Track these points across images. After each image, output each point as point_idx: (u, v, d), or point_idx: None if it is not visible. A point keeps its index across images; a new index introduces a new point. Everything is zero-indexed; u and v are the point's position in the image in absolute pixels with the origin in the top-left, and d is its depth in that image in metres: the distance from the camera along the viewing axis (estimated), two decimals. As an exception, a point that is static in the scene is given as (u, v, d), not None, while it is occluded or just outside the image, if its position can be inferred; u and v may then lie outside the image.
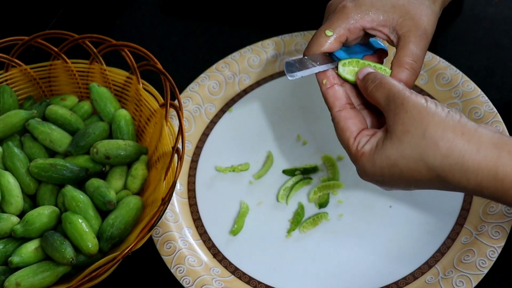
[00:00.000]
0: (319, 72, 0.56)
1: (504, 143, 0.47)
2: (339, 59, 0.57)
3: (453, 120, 0.48)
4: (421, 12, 0.56)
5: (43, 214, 0.65)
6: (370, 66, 0.56)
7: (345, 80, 0.56)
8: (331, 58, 0.57)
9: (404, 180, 0.50)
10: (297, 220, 0.68)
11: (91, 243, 0.62)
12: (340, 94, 0.56)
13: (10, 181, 0.67)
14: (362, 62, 0.56)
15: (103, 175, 0.71)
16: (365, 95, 0.54)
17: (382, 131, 0.52)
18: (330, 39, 0.56)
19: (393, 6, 0.56)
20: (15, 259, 0.62)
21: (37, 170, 0.68)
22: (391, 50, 0.62)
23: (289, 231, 0.68)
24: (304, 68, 0.55)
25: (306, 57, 0.56)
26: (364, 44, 0.60)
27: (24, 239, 0.64)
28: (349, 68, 0.56)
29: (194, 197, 0.73)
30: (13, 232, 0.64)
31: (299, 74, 0.55)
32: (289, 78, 0.55)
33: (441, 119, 0.48)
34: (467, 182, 0.48)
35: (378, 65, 0.56)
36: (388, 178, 0.51)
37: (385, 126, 0.51)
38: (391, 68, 0.56)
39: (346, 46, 0.59)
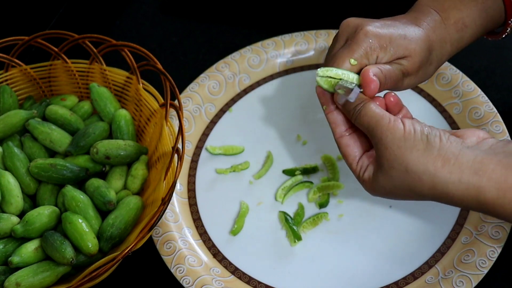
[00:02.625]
0: (321, 93, 0.58)
1: (484, 169, 0.49)
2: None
3: (432, 151, 0.51)
4: (420, 64, 0.59)
5: (43, 214, 0.65)
6: (341, 79, 0.56)
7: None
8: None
9: (405, 198, 0.54)
10: (297, 221, 0.68)
11: (91, 243, 0.62)
12: (339, 120, 0.58)
13: (10, 181, 0.67)
14: (335, 73, 0.56)
15: (103, 175, 0.71)
16: (352, 119, 0.56)
17: (374, 162, 0.55)
18: (353, 68, 0.57)
19: (406, 48, 0.58)
20: (15, 259, 0.62)
21: (37, 170, 0.68)
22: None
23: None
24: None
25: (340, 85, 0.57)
26: None
27: (24, 239, 0.64)
28: (326, 79, 0.56)
29: (194, 197, 0.73)
30: (13, 232, 0.64)
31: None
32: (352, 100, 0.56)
33: (420, 153, 0.51)
34: (456, 205, 0.52)
35: (346, 73, 0.57)
36: (391, 197, 0.55)
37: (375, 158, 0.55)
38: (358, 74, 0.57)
39: None
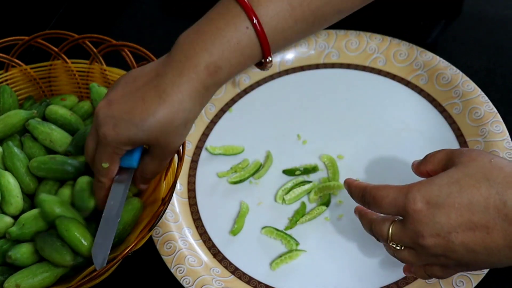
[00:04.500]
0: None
1: None
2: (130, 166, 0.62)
3: None
4: (169, 140, 0.60)
5: (38, 216, 0.64)
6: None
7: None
8: (123, 173, 0.63)
9: (459, 202, 0.50)
10: (296, 218, 0.69)
11: (86, 242, 0.62)
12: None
13: (10, 181, 0.67)
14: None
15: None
16: (424, 166, 0.58)
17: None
18: (108, 169, 0.61)
19: (148, 136, 0.58)
20: (14, 254, 0.62)
21: (37, 164, 0.67)
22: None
23: (287, 228, 0.68)
24: (106, 238, 0.60)
25: (102, 220, 0.61)
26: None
27: (19, 241, 0.64)
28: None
29: (194, 197, 0.73)
30: (8, 235, 0.63)
31: (106, 253, 0.59)
32: (98, 268, 0.58)
33: (505, 159, 0.52)
34: None
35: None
36: (444, 197, 0.50)
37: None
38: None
39: None
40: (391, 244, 0.55)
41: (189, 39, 0.59)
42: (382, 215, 0.57)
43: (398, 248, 0.54)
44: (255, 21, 0.59)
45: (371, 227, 0.57)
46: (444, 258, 0.52)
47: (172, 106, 0.57)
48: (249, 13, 0.59)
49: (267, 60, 0.62)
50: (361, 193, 0.57)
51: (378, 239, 0.58)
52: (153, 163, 0.62)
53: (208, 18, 0.61)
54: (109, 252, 0.58)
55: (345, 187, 0.61)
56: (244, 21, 0.59)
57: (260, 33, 0.59)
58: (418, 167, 0.58)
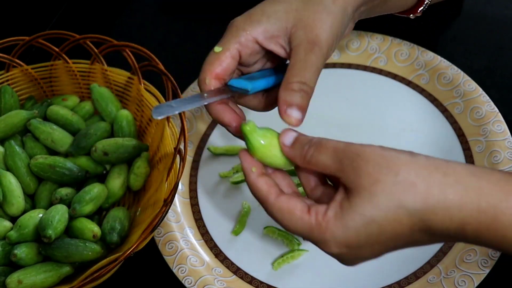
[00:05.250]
0: (244, 154, 0.48)
1: (480, 172, 0.43)
2: (240, 89, 0.51)
3: (420, 159, 0.43)
4: (314, 17, 0.50)
5: (35, 217, 0.64)
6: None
7: (251, 151, 0.49)
8: (227, 89, 0.52)
9: (383, 239, 0.44)
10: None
11: (92, 230, 0.64)
12: (272, 182, 0.48)
13: (12, 181, 0.67)
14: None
15: (103, 178, 0.71)
16: (302, 162, 0.47)
17: (340, 192, 0.44)
18: (219, 55, 0.50)
19: (286, 12, 0.50)
20: (19, 253, 0.62)
21: (37, 170, 0.68)
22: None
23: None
24: (182, 104, 0.50)
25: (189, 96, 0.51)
26: (268, 70, 0.55)
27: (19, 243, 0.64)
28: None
29: (196, 197, 0.73)
30: (8, 239, 0.63)
31: (170, 111, 0.49)
32: (154, 116, 0.49)
33: (408, 159, 0.43)
34: (450, 221, 0.42)
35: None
36: (365, 240, 0.44)
37: (341, 187, 0.45)
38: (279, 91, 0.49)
39: (245, 68, 0.53)
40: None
41: None
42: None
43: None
44: None
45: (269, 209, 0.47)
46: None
47: None
48: None
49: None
50: (262, 203, 0.47)
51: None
52: (297, 62, 0.49)
53: None
54: (173, 113, 0.50)
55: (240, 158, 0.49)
56: None
57: None
58: (295, 160, 0.48)
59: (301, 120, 0.48)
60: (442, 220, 0.42)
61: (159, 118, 0.48)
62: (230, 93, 0.52)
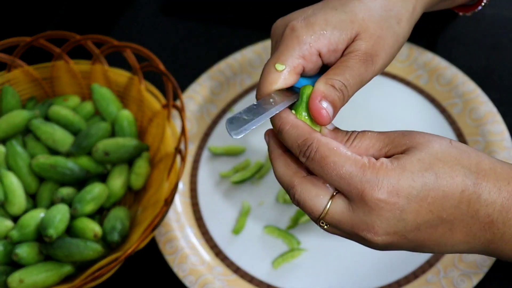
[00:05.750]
0: (276, 114, 0.44)
1: None
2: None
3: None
4: (380, 33, 0.47)
5: (37, 217, 0.65)
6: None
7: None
8: (291, 91, 0.46)
9: (433, 195, 0.41)
10: (297, 218, 0.69)
11: (93, 230, 0.64)
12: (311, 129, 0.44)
13: (13, 181, 0.67)
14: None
15: (104, 178, 0.71)
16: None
17: (393, 156, 0.43)
18: (283, 74, 0.45)
19: (352, 22, 0.46)
20: (21, 253, 0.62)
21: (38, 169, 0.68)
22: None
23: (288, 227, 0.69)
24: (255, 115, 0.43)
25: (255, 103, 0.45)
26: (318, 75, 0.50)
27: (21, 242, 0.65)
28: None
29: (196, 196, 0.73)
30: (9, 238, 0.64)
31: (248, 127, 0.43)
32: (234, 136, 0.43)
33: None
34: (499, 192, 0.42)
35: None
36: (417, 190, 0.41)
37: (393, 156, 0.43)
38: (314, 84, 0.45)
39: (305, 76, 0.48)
40: (320, 222, 0.43)
41: None
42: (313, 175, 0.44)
43: (325, 227, 0.44)
44: None
45: (295, 187, 0.43)
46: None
47: None
48: None
49: None
50: (304, 141, 0.43)
51: (294, 203, 0.44)
52: (356, 66, 0.45)
53: None
54: (251, 128, 0.43)
55: (276, 124, 0.44)
56: None
57: None
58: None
59: (330, 119, 0.44)
60: (491, 189, 0.41)
61: (239, 137, 0.42)
62: (295, 95, 0.46)
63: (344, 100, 0.45)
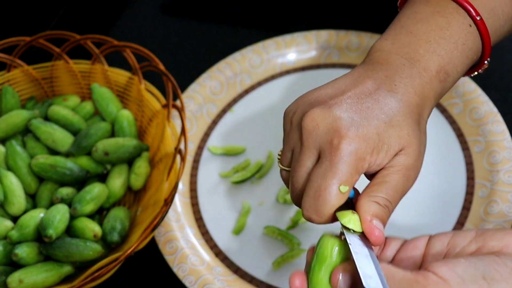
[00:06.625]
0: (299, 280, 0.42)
1: None
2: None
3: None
4: (419, 148, 0.47)
5: (36, 217, 0.65)
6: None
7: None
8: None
9: None
10: (298, 218, 0.69)
11: (93, 230, 0.64)
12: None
13: (13, 181, 0.67)
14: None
15: (104, 178, 0.71)
16: None
17: None
18: (346, 194, 0.44)
19: (399, 137, 0.45)
20: (21, 253, 0.62)
21: (38, 169, 0.68)
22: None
23: (288, 228, 0.69)
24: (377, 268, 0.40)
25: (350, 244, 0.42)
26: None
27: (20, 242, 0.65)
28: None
29: (196, 197, 0.73)
30: (9, 238, 0.64)
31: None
32: None
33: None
34: None
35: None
36: None
37: None
38: (355, 202, 0.45)
39: None
40: None
41: (401, 42, 0.48)
42: None
43: None
44: (478, 17, 0.50)
45: None
46: None
47: (412, 105, 0.46)
48: (468, 8, 0.49)
49: (485, 62, 0.53)
50: None
51: None
52: (400, 181, 0.45)
53: (417, 19, 0.50)
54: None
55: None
56: (465, 18, 0.50)
57: (483, 32, 0.50)
58: None
59: (383, 238, 0.43)
60: None
61: None
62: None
63: (389, 215, 0.45)
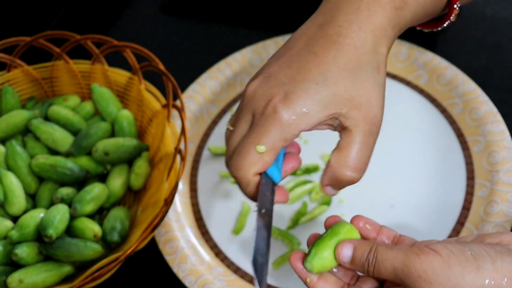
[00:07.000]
0: (298, 269, 0.47)
1: None
2: (272, 178, 0.47)
3: (487, 266, 0.41)
4: (368, 95, 0.45)
5: (36, 217, 0.65)
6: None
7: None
8: (266, 178, 0.47)
9: None
10: (297, 218, 0.69)
11: (93, 230, 0.64)
12: (333, 279, 0.47)
13: (13, 181, 0.67)
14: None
15: (104, 178, 0.71)
16: (362, 272, 0.45)
17: None
18: (265, 157, 0.45)
19: (335, 95, 0.45)
20: (21, 253, 0.62)
21: (38, 169, 0.68)
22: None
23: (288, 228, 0.69)
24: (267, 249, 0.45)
25: (258, 217, 0.46)
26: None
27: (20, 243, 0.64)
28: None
29: (196, 197, 0.73)
30: (9, 238, 0.64)
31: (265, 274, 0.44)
32: None
33: (474, 278, 0.40)
34: None
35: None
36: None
37: None
38: (325, 170, 0.48)
39: None
40: None
41: None
42: None
43: None
44: None
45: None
46: None
47: (355, 48, 0.45)
48: None
49: (455, 6, 0.50)
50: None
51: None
52: (355, 144, 0.46)
53: None
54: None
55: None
56: None
57: None
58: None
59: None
60: None
61: None
62: (271, 185, 0.48)
63: (362, 172, 0.48)
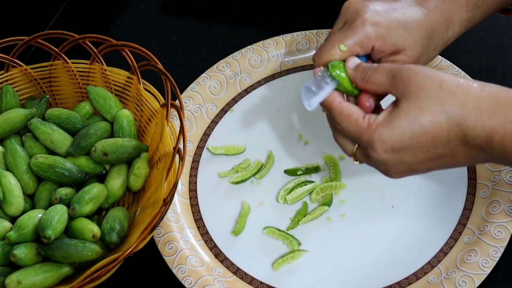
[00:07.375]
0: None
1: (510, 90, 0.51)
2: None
3: (461, 77, 0.54)
4: (420, 55, 0.58)
5: (35, 217, 0.64)
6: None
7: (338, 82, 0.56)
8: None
9: (423, 141, 0.50)
10: (298, 218, 0.68)
11: (92, 231, 0.64)
12: (337, 94, 0.56)
13: (11, 181, 0.67)
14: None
15: (103, 178, 0.71)
16: (363, 83, 0.54)
17: (391, 105, 0.52)
18: (343, 53, 0.57)
19: (405, 40, 0.57)
20: (19, 254, 0.62)
21: (37, 169, 0.68)
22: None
23: (288, 228, 0.68)
24: (319, 89, 0.55)
25: (319, 74, 0.56)
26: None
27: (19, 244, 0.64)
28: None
29: (196, 197, 0.73)
30: (7, 239, 0.63)
31: (315, 102, 0.55)
32: (308, 108, 0.55)
33: (453, 75, 0.51)
34: (482, 128, 0.48)
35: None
36: (408, 141, 0.50)
37: (391, 103, 0.52)
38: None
39: None
40: (354, 160, 0.56)
41: None
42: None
43: (359, 163, 0.56)
44: None
45: (336, 136, 0.57)
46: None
47: (431, 20, 0.58)
48: None
49: None
50: (329, 106, 0.55)
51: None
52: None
53: None
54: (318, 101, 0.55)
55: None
56: None
57: None
58: (355, 80, 0.55)
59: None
60: (475, 126, 0.48)
61: (311, 109, 0.55)
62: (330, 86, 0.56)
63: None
